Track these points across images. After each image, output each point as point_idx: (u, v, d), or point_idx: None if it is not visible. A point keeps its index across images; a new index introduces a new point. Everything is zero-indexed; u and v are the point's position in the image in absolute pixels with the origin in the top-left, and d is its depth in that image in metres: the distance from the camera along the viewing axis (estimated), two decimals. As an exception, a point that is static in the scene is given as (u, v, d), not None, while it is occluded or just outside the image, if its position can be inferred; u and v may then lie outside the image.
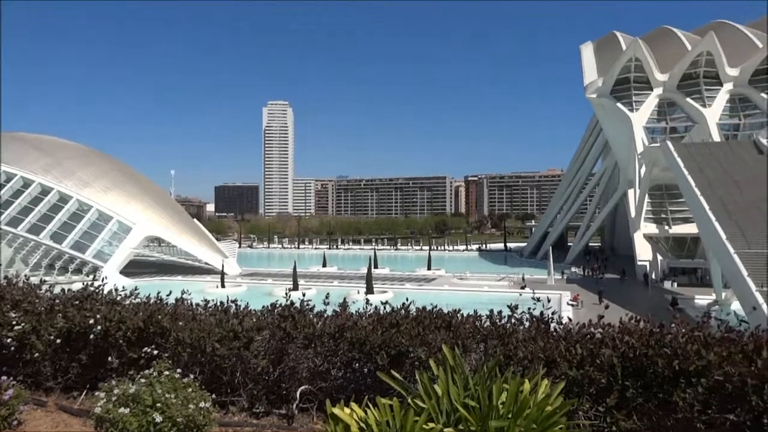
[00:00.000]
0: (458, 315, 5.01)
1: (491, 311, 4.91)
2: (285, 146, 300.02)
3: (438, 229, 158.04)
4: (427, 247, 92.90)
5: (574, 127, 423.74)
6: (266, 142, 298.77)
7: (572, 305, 38.80)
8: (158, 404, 4.25)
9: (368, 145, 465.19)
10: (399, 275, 61.52)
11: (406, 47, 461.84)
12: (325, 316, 5.44)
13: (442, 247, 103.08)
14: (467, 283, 52.75)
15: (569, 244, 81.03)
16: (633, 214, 58.84)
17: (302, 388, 4.85)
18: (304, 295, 5.73)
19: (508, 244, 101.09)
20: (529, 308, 4.99)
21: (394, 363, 4.51)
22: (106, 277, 7.11)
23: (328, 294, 5.96)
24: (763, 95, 61.56)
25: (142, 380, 4.47)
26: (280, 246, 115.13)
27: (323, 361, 4.92)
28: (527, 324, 4.75)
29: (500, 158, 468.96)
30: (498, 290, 45.86)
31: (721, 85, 63.92)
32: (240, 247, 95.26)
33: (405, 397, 3.44)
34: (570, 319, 4.87)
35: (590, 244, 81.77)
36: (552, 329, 4.56)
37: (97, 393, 4.44)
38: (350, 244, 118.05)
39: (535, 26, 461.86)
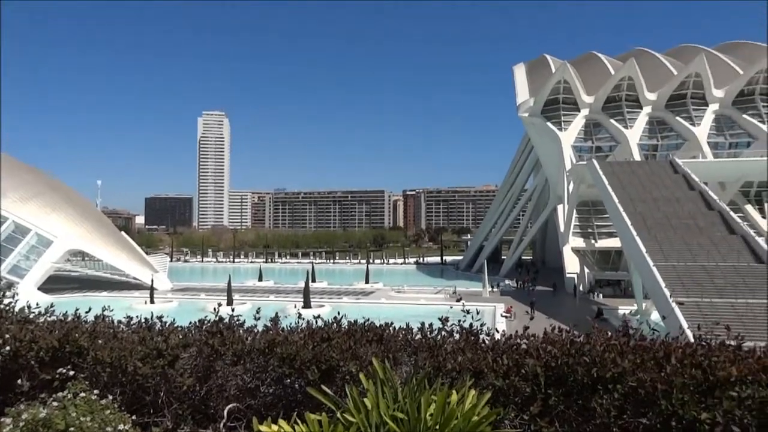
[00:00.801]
0: (390, 328, 5.04)
1: (422, 324, 4.98)
2: (221, 157, 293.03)
3: (376, 242, 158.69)
4: (365, 261, 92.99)
5: (508, 144, 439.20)
6: (201, 152, 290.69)
7: (506, 317, 39.94)
8: (72, 428, 3.99)
9: (307, 158, 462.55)
10: (337, 289, 61.21)
11: (343, 60, 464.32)
12: (256, 331, 5.32)
13: (381, 261, 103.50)
14: (405, 296, 53.20)
15: (503, 257, 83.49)
16: (562, 228, 61.45)
17: (230, 406, 4.71)
18: (233, 310, 5.59)
19: (445, 258, 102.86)
20: (459, 320, 5.09)
21: (325, 378, 4.46)
22: (16, 294, 6.64)
23: (259, 309, 5.84)
24: (678, 119, 66.32)
25: (55, 403, 4.18)
26: (214, 260, 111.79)
27: (252, 377, 4.80)
28: (457, 336, 4.84)
29: (438, 173, 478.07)
30: (435, 303, 46.49)
31: (641, 108, 68.33)
32: (172, 261, 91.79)
33: (335, 411, 3.41)
34: (504, 331, 5.01)
35: (523, 257, 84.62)
36: (481, 341, 4.67)
37: (2, 419, 4.12)
38: (287, 257, 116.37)
39: (473, 44, 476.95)
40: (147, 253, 72.66)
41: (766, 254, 36.94)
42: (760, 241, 39.69)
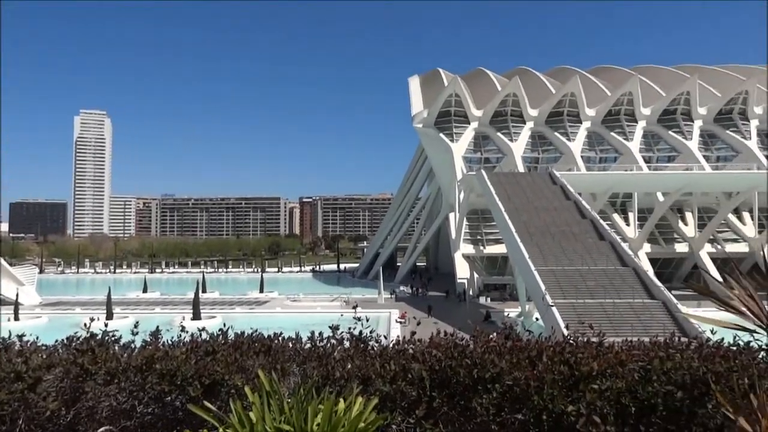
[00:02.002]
0: (279, 338, 4.94)
1: (312, 333, 4.93)
2: (101, 160, 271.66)
3: (271, 250, 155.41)
4: (260, 269, 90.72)
5: (403, 153, 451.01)
6: (78, 154, 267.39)
7: (400, 323, 40.77)
8: None
9: (198, 163, 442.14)
10: (229, 299, 59.06)
11: (238, 64, 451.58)
12: (134, 347, 4.96)
13: (276, 269, 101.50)
14: (300, 305, 52.54)
15: (398, 264, 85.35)
16: (453, 235, 64.08)
17: (102, 429, 4.34)
18: (106, 325, 5.17)
19: (342, 265, 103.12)
20: (350, 328, 5.11)
21: (209, 393, 4.27)
22: None
23: (137, 323, 5.46)
24: (557, 134, 71.96)
25: None
26: (92, 271, 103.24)
27: (128, 397, 4.46)
28: (347, 344, 4.85)
29: (334, 181, 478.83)
30: (331, 311, 46.38)
31: (525, 123, 73.30)
32: (41, 272, 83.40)
33: (218, 428, 3.26)
34: (398, 336, 5.08)
35: (417, 263, 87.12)
36: (370, 347, 4.72)
37: None
38: (176, 267, 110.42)
39: (370, 55, 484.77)
40: (11, 265, 65.39)
41: (630, 258, 41.11)
42: (625, 246, 44.12)
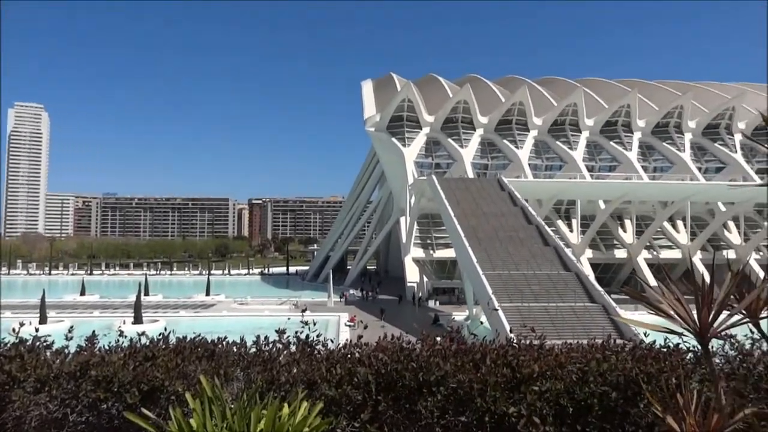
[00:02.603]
0: (223, 342, 4.84)
1: (258, 337, 4.86)
2: (37, 156, 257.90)
3: (219, 252, 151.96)
4: (207, 272, 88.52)
5: (355, 156, 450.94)
6: (11, 149, 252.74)
7: (349, 326, 40.68)
8: None
9: (143, 162, 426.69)
10: (174, 302, 57.27)
11: (186, 63, 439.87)
12: (67, 352, 4.74)
13: (224, 272, 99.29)
14: (248, 308, 51.56)
15: (349, 267, 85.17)
16: (404, 239, 64.53)
17: (30, 440, 4.12)
18: (37, 330, 4.91)
19: (292, 268, 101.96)
20: (296, 332, 5.06)
21: (148, 400, 4.12)
22: None
23: (71, 327, 5.21)
24: (505, 141, 73.73)
25: None
26: (25, 272, 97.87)
27: (60, 405, 4.25)
28: (294, 348, 4.80)
29: (285, 183, 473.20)
30: (279, 314, 45.73)
31: (474, 130, 74.72)
32: (-32, 274, 78.50)
33: (156, 436, 3.15)
34: (347, 340, 5.07)
35: (368, 267, 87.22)
36: (316, 352, 4.69)
37: None
38: (117, 269, 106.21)
39: (323, 54, 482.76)
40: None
41: (573, 263, 42.56)
42: (568, 252, 45.64)
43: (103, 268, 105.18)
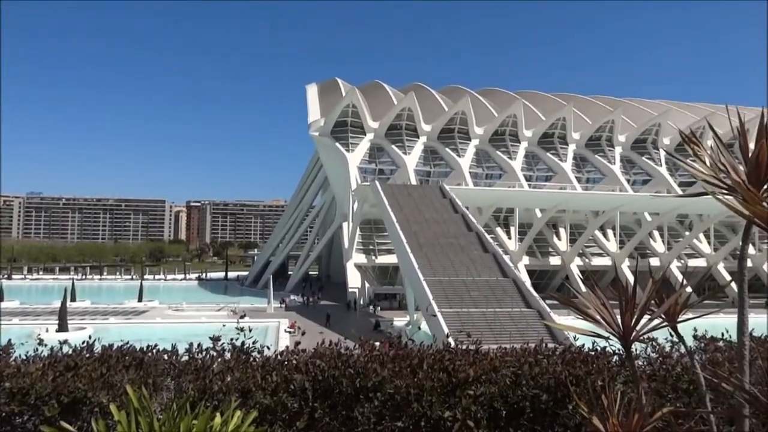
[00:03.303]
0: (153, 351, 4.64)
1: (190, 344, 4.69)
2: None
3: (153, 256, 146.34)
4: (139, 277, 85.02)
5: (298, 160, 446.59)
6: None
7: (289, 332, 40.15)
8: None
9: (72, 160, 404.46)
10: (103, 309, 54.58)
11: (125, 59, 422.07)
12: (-22, 363, 4.40)
13: (158, 276, 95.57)
14: (184, 315, 49.89)
15: (290, 272, 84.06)
16: (346, 245, 64.38)
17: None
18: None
19: (232, 273, 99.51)
20: (232, 339, 4.93)
21: (69, 412, 3.89)
22: None
23: (-15, 335, 4.85)
24: (447, 150, 75.12)
25: None
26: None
27: (-32, 420, 3.95)
28: (228, 355, 4.67)
29: (225, 185, 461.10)
30: (217, 321, 44.47)
31: (418, 138, 75.71)
32: None
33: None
34: (287, 346, 4.98)
35: (310, 272, 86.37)
36: (252, 359, 4.59)
37: None
38: (41, 273, 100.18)
39: (267, 56, 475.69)
40: None
41: (510, 270, 43.80)
42: (506, 258, 46.96)
43: (25, 272, 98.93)
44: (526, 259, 67.22)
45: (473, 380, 4.09)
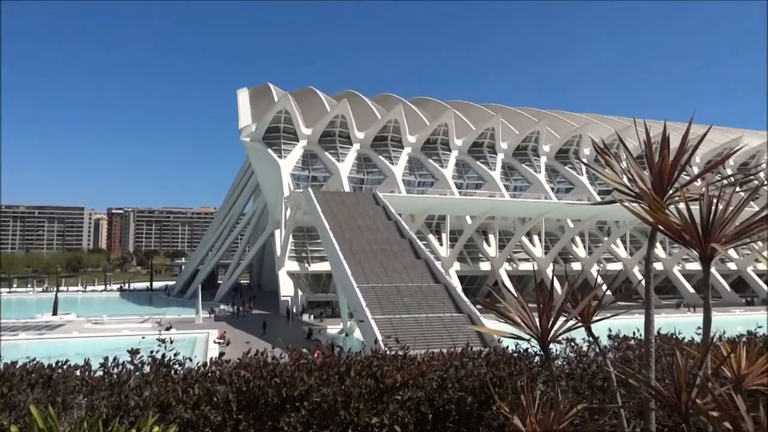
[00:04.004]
0: (63, 367, 4.35)
1: (105, 359, 4.43)
2: None
3: (71, 267, 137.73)
4: (54, 288, 79.73)
5: (229, 166, 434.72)
6: None
7: (219, 343, 38.94)
8: None
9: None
10: (12, 324, 50.63)
11: (36, 61, 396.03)
12: None
13: (75, 288, 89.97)
14: (104, 328, 47.21)
15: (219, 282, 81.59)
16: (279, 252, 63.32)
17: None
18: None
19: (158, 283, 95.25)
20: (151, 351, 4.71)
21: (-37, 438, 3.57)
22: None
23: None
24: (381, 157, 75.69)
25: None
26: None
27: None
28: (148, 369, 4.45)
29: (151, 192, 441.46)
30: (140, 333, 42.36)
31: (352, 145, 75.83)
32: None
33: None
34: (214, 358, 4.80)
35: (241, 281, 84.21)
36: (173, 372, 4.40)
37: None
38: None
39: (194, 58, 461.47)
40: None
41: (442, 275, 44.62)
42: (438, 264, 47.81)
43: None
44: (457, 265, 68.72)
45: (401, 385, 4.12)
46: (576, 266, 71.10)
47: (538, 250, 73.40)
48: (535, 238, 74.92)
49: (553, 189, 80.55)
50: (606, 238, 76.51)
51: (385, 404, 3.98)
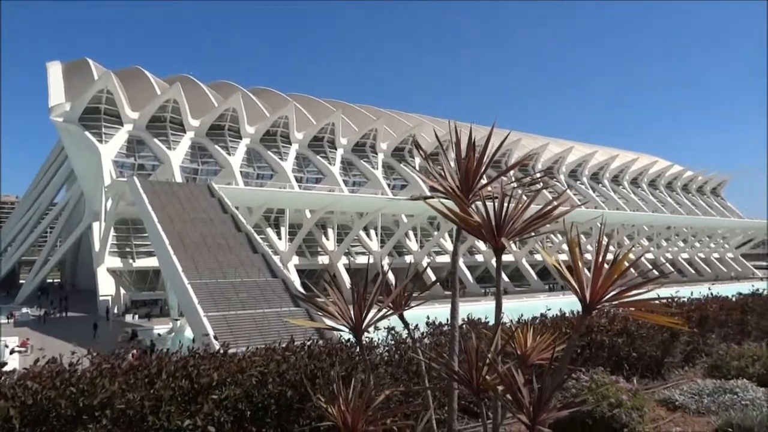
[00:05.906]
0: None
1: None
2: None
3: None
4: None
5: (36, 150, 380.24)
6: None
7: (21, 352, 34.26)
8: None
9: None
10: None
11: None
12: None
13: None
14: None
15: (22, 281, 71.27)
16: (98, 247, 57.27)
17: None
18: None
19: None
20: None
21: None
22: None
23: None
24: (217, 147, 72.28)
25: None
26: None
27: None
28: None
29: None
30: None
31: (185, 132, 71.24)
32: None
33: None
34: (15, 369, 4.13)
35: (51, 280, 74.54)
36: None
37: None
38: None
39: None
40: None
41: (280, 270, 44.13)
42: (276, 259, 47.19)
43: None
44: (296, 259, 68.50)
45: (218, 384, 3.96)
46: (409, 259, 75.25)
47: (374, 244, 76.23)
48: (372, 232, 77.71)
49: (389, 185, 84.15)
50: (436, 233, 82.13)
51: (200, 405, 3.80)
